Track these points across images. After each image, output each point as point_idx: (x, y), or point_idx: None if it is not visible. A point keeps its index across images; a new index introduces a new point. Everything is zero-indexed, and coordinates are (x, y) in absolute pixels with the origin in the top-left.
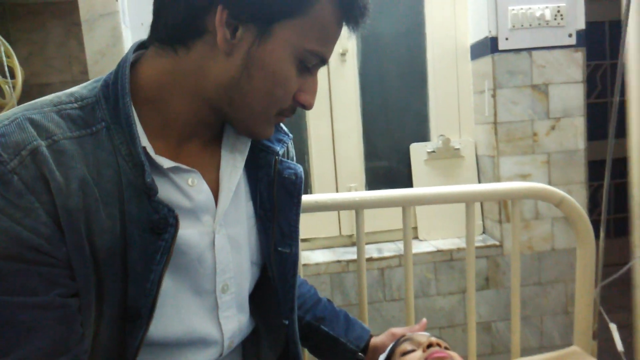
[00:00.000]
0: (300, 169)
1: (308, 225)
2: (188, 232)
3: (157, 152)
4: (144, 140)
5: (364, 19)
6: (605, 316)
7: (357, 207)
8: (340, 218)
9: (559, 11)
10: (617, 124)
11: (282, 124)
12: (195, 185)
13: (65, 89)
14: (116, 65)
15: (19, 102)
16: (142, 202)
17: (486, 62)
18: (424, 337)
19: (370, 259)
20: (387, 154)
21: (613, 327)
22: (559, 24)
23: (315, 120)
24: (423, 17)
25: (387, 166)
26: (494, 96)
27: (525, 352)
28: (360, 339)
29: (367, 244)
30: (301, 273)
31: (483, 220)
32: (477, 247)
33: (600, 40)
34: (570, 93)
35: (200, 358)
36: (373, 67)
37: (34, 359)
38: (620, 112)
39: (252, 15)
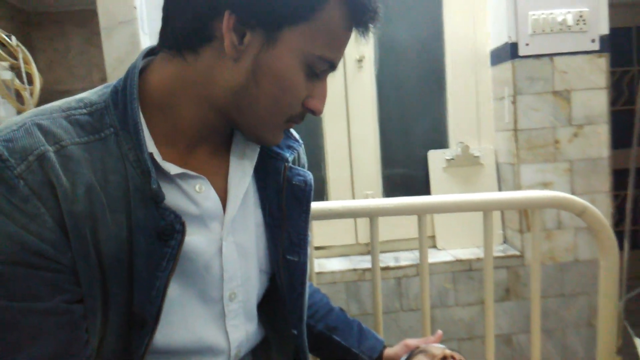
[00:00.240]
0: (310, 176)
1: (324, 233)
2: (195, 239)
3: (165, 159)
4: (151, 146)
5: (374, 23)
6: (630, 330)
7: (372, 215)
8: (357, 226)
9: (581, 16)
10: None
11: (292, 131)
12: (203, 192)
13: None
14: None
15: None
16: (149, 209)
17: (506, 68)
18: (438, 349)
19: (386, 268)
20: (405, 161)
21: (638, 341)
22: (581, 29)
23: (332, 126)
24: (442, 22)
25: (404, 174)
26: (514, 102)
27: None
28: (373, 349)
29: (384, 252)
30: (314, 281)
31: (504, 230)
32: (497, 257)
33: (627, 47)
34: (593, 100)
35: None
36: (390, 73)
37: None
38: None
39: (259, 21)
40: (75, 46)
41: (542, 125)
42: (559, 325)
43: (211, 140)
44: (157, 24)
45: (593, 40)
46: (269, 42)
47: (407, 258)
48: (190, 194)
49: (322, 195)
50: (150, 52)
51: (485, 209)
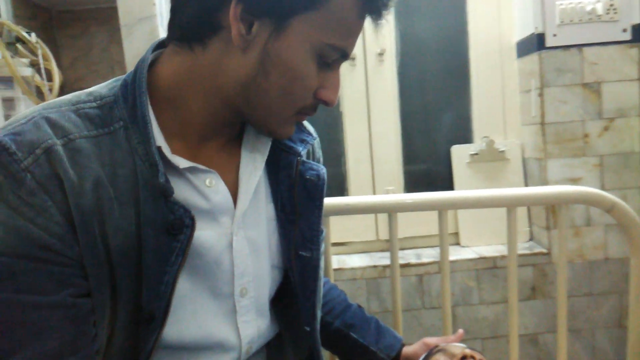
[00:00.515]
0: (323, 170)
1: (344, 229)
2: (205, 234)
3: (174, 152)
4: (160, 140)
5: (387, 9)
6: None
7: (390, 210)
8: (378, 222)
9: (611, 5)
10: None
11: (307, 124)
12: (213, 186)
13: None
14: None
15: None
16: (158, 203)
17: (533, 59)
18: (458, 348)
19: (407, 265)
20: (427, 157)
21: None
22: (612, 18)
23: (352, 121)
24: (465, 13)
25: (426, 169)
26: (541, 95)
27: None
28: (391, 348)
29: (405, 249)
30: (332, 277)
31: (530, 227)
32: (523, 255)
33: None
34: (624, 92)
35: None
36: (412, 66)
37: (43, 358)
38: None
39: (267, 10)
40: (97, 44)
41: (570, 119)
42: (588, 326)
43: (222, 133)
44: None
45: (624, 30)
46: (278, 31)
47: (429, 255)
48: (201, 188)
49: (342, 191)
50: (161, 45)
51: (509, 204)
